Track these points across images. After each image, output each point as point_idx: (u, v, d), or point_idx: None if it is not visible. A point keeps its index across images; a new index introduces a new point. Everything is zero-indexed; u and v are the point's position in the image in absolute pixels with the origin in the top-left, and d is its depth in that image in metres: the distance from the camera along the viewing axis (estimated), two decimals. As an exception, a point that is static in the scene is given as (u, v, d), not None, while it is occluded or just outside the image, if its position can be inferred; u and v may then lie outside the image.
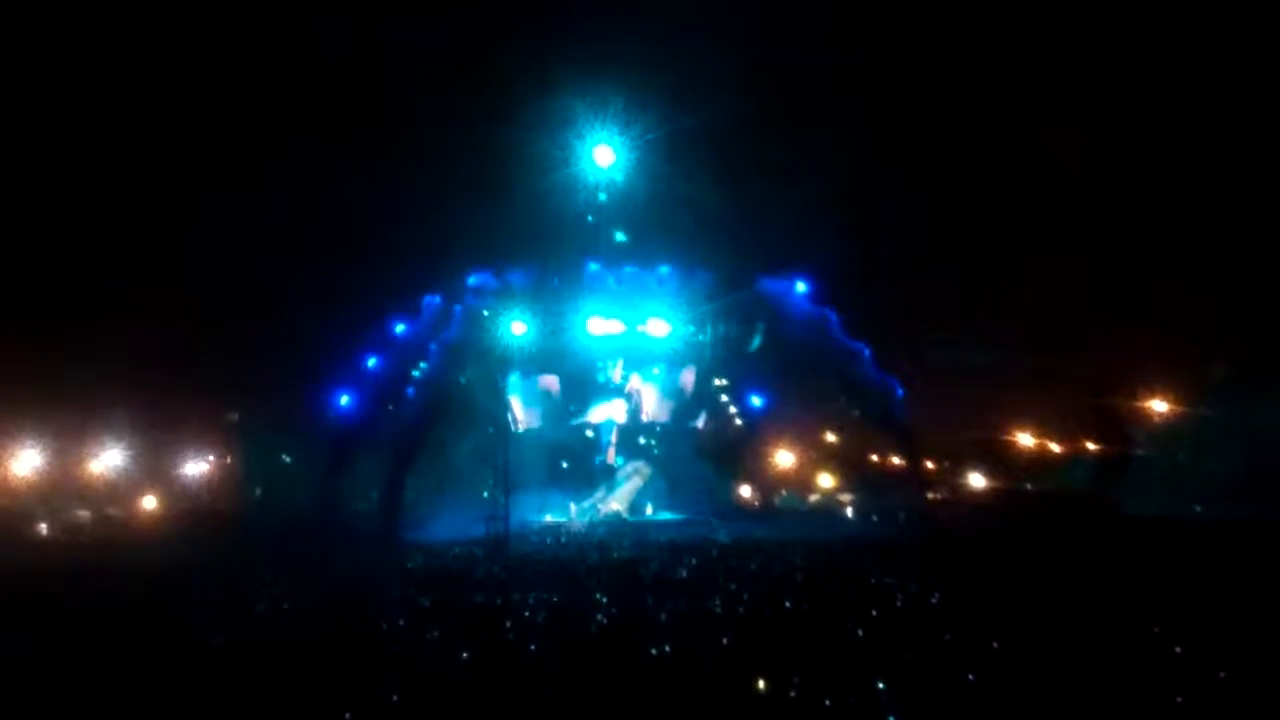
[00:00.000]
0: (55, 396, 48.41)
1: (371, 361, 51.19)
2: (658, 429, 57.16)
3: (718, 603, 21.69)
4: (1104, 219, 47.28)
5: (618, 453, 58.13)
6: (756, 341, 51.61)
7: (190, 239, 50.95)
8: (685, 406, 55.27)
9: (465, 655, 16.86)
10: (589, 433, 57.03)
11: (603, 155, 47.10)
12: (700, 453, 56.68)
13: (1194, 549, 29.32)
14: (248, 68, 46.48)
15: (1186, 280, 44.38)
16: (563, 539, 43.90)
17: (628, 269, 51.31)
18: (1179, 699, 12.73)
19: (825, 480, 55.88)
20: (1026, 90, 46.65)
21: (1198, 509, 42.93)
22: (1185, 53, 42.91)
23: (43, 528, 48.34)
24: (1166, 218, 46.15)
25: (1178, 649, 15.31)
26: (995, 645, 16.00)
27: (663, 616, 20.50)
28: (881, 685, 13.71)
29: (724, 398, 55.52)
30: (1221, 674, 13.61)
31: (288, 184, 48.18)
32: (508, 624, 20.03)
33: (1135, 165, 45.63)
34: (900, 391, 50.04)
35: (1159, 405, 48.06)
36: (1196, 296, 43.96)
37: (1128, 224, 46.62)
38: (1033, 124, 47.36)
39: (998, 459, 50.82)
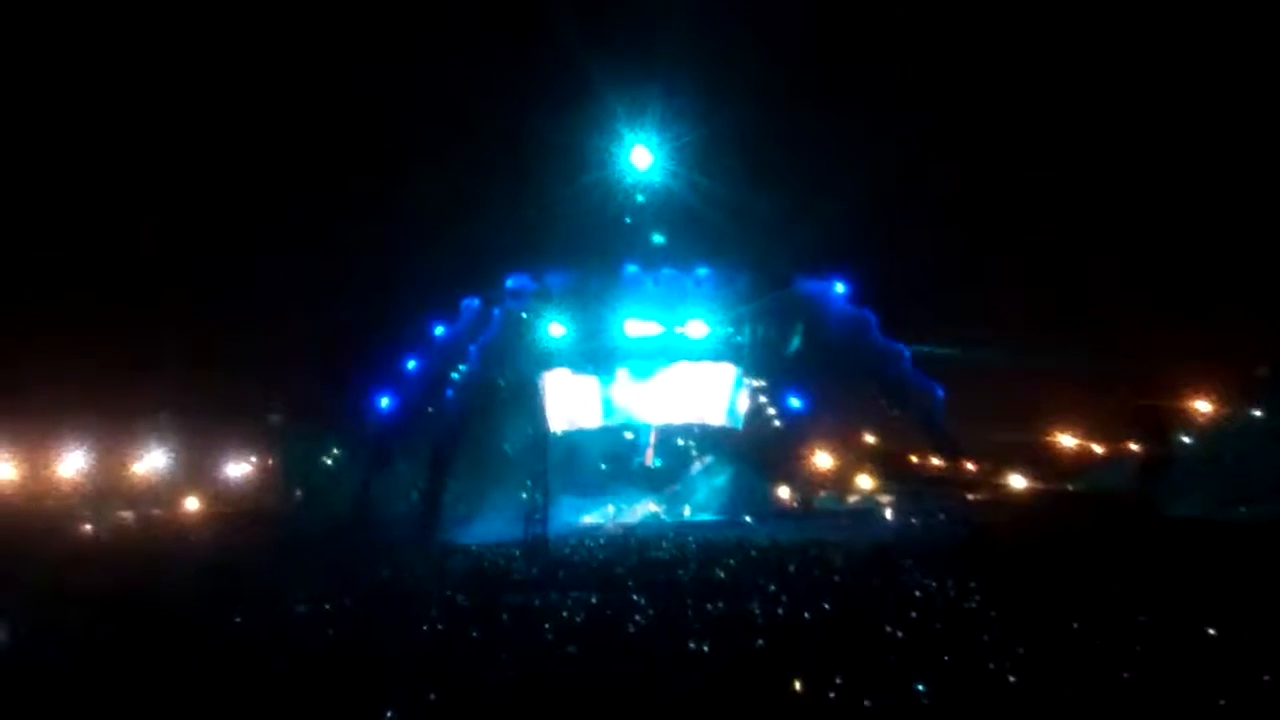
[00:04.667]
0: (99, 399, 48.94)
1: (411, 363, 51.36)
2: (696, 430, 57.05)
3: (756, 605, 21.65)
4: (1149, 217, 46.83)
5: (656, 454, 58.11)
6: (795, 343, 51.28)
7: (233, 243, 51.42)
8: (723, 408, 55.03)
9: (503, 656, 16.95)
10: (628, 434, 57.00)
11: (640, 157, 47.05)
12: (739, 454, 56.62)
13: (1239, 551, 28.97)
14: (292, 70, 46.83)
15: (1232, 278, 43.93)
16: (601, 540, 43.93)
17: (665, 271, 51.10)
18: (1222, 701, 12.61)
19: (864, 482, 55.62)
20: (1072, 83, 46.29)
21: (1242, 510, 42.38)
22: (1234, 42, 42.39)
23: (87, 528, 48.79)
24: (1212, 214, 45.67)
25: (1219, 651, 15.17)
26: (1035, 648, 15.89)
27: (700, 618, 20.52)
28: (921, 687, 13.66)
29: (763, 399, 55.30)
30: (1265, 677, 13.46)
31: (329, 188, 48.54)
32: (546, 625, 20.10)
33: (1182, 161, 45.14)
34: (940, 393, 49.74)
35: (1203, 405, 47.52)
36: (1242, 294, 43.49)
37: (1173, 222, 46.17)
38: (1077, 119, 46.99)
39: (1038, 460, 50.41)
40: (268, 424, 56.33)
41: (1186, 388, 47.39)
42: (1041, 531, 36.65)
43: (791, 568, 29.27)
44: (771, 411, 55.22)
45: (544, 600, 23.64)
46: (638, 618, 20.56)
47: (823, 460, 55.99)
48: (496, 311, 50.90)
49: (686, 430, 57.07)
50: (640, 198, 48.84)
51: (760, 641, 17.60)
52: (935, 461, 51.60)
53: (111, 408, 50.35)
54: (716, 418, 53.55)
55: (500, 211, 47.68)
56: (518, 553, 36.89)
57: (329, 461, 55.45)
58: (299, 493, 54.56)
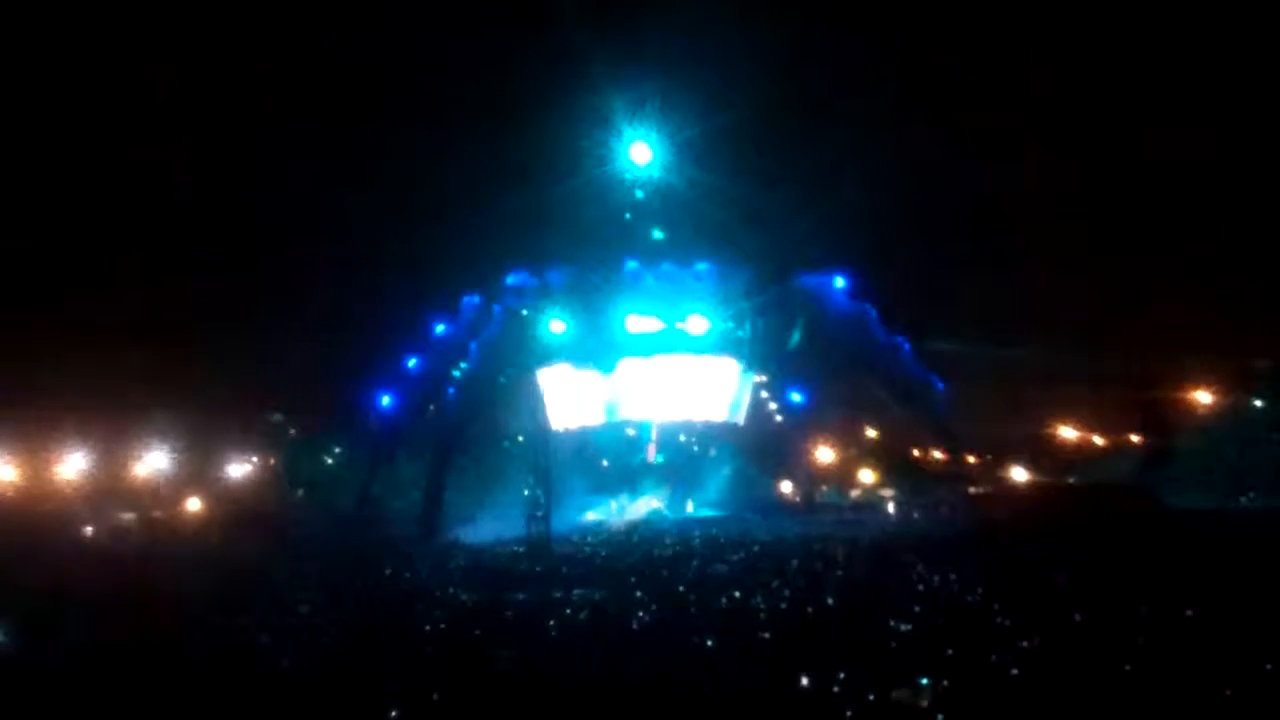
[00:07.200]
0: (99, 400, 48.80)
1: (412, 362, 51.44)
2: (698, 426, 57.03)
3: (760, 599, 21.66)
4: (1149, 210, 46.76)
5: (658, 450, 58.14)
6: (796, 337, 51.25)
7: (231, 241, 51.28)
8: (725, 404, 54.96)
9: (507, 654, 16.93)
10: (630, 431, 56.99)
11: (640, 153, 46.95)
12: (741, 450, 56.61)
13: (1241, 541, 28.94)
14: (287, 65, 46.71)
15: (1231, 270, 43.85)
16: (604, 537, 43.95)
17: (666, 266, 51.08)
18: (1227, 692, 12.58)
19: (866, 476, 55.67)
20: (1069, 81, 46.25)
21: (1242, 500, 42.43)
22: (1239, 40, 42.29)
23: (88, 530, 48.66)
24: (1212, 207, 45.62)
25: (1223, 642, 15.14)
26: (1039, 641, 15.88)
27: (704, 614, 20.53)
28: (925, 681, 13.64)
29: (764, 394, 55.28)
30: (1268, 667, 13.43)
31: (327, 185, 48.46)
32: (550, 622, 20.10)
33: (1180, 151, 45.05)
34: (941, 386, 49.76)
35: (1204, 397, 47.49)
36: (1241, 287, 43.41)
37: (1173, 214, 46.11)
38: (1077, 109, 46.95)
39: (1040, 453, 50.38)
40: (269, 424, 56.34)
41: (1188, 379, 47.37)
42: (1044, 524, 36.65)
43: (794, 563, 29.24)
44: (773, 407, 55.21)
45: (547, 598, 23.63)
46: (641, 614, 20.55)
47: (824, 455, 55.98)
48: (497, 308, 50.95)
49: (688, 426, 57.07)
50: (640, 193, 48.76)
51: (764, 636, 17.60)
52: (937, 455, 51.66)
53: (112, 409, 50.22)
54: (718, 413, 53.55)
55: (500, 208, 47.52)
56: (520, 550, 36.91)
57: (330, 461, 55.53)
58: (301, 493, 54.59)
